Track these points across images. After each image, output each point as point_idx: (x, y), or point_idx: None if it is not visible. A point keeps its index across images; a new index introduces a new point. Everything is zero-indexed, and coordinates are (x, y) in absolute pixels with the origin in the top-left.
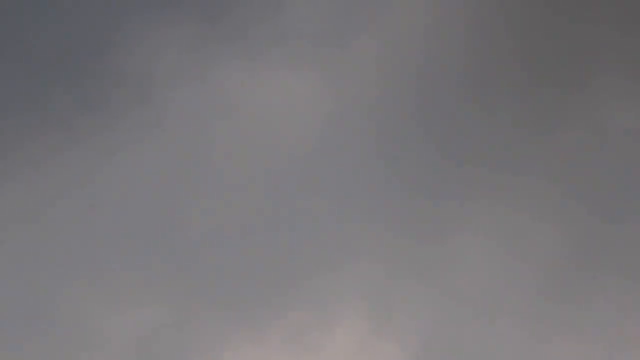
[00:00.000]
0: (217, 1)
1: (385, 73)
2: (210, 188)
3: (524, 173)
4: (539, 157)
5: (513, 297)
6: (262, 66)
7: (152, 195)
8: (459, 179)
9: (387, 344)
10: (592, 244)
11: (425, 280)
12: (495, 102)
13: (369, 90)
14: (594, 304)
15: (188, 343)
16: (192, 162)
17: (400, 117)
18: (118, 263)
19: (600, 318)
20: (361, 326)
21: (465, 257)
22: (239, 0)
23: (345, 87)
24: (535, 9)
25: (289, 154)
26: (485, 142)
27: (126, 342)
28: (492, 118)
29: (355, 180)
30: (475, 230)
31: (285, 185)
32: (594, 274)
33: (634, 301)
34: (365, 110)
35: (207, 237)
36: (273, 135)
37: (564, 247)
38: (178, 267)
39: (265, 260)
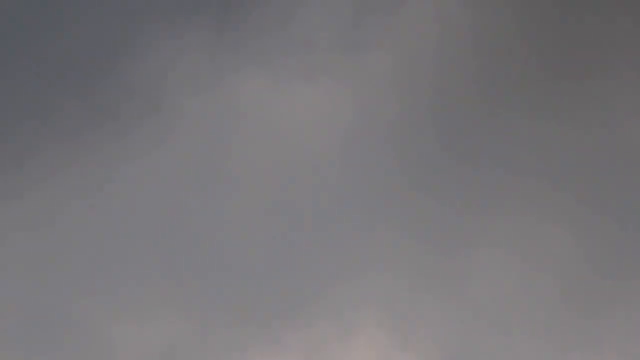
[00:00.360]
0: (230, 11)
1: (401, 83)
2: (225, 199)
3: (542, 184)
4: (557, 167)
5: (532, 309)
6: (276, 76)
7: (166, 205)
8: (476, 191)
9: (406, 356)
10: (612, 255)
11: (444, 291)
12: (511, 112)
13: (384, 100)
14: (613, 316)
15: (205, 356)
16: (205, 172)
17: (417, 128)
18: (133, 274)
19: (620, 330)
20: (381, 338)
21: (484, 268)
22: (253, 10)
23: (361, 97)
24: (545, 19)
25: (305, 164)
26: (503, 154)
27: (143, 355)
28: (509, 130)
29: (373, 192)
30: (493, 242)
31: (303, 196)
32: (614, 285)
33: None
34: (382, 121)
35: (223, 249)
36: (288, 146)
37: (583, 258)
38: (195, 279)
39: (284, 272)
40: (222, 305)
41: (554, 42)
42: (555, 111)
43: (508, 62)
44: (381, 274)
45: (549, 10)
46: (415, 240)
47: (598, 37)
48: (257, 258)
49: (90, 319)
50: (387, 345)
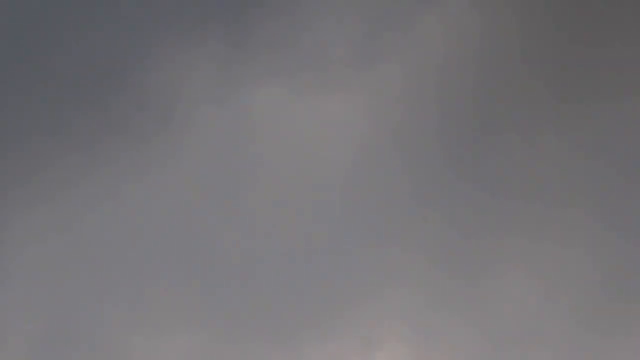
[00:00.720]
0: (243, 23)
1: (414, 96)
2: (241, 211)
3: (559, 203)
4: (574, 186)
5: (550, 327)
6: (288, 89)
7: (180, 217)
8: (494, 209)
9: None
10: (629, 274)
11: (463, 308)
12: (529, 130)
13: (398, 114)
14: (630, 334)
15: None
16: (218, 184)
17: (433, 145)
18: (149, 286)
19: (639, 349)
20: (401, 353)
21: (502, 286)
22: (266, 22)
23: (374, 110)
24: (553, 32)
25: (319, 178)
26: (520, 173)
27: None
28: (526, 148)
29: (392, 208)
30: (511, 260)
31: (319, 211)
32: (632, 305)
33: None
34: (397, 137)
35: (242, 262)
36: (302, 158)
37: (600, 277)
38: (213, 292)
39: (304, 286)
40: (241, 319)
41: (565, 56)
42: (573, 130)
43: (523, 75)
44: (401, 289)
45: (560, 25)
46: (434, 257)
47: (609, 52)
48: (275, 272)
49: (107, 331)
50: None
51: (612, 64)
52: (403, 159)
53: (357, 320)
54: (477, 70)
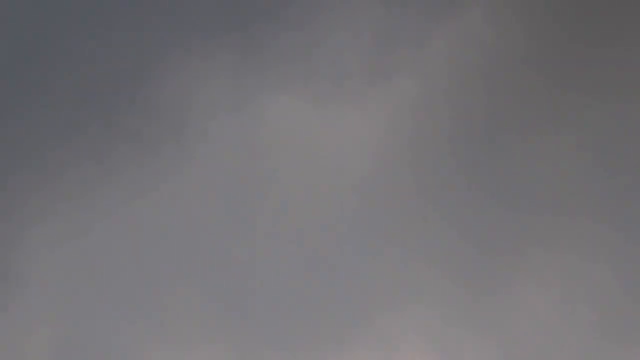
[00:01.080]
0: (256, 34)
1: (429, 109)
2: (257, 224)
3: (579, 216)
4: (594, 199)
5: (570, 341)
6: (302, 100)
7: (194, 228)
8: (514, 223)
9: None
10: None
11: (483, 322)
12: (545, 143)
13: (413, 126)
14: None
15: None
16: (232, 194)
17: (451, 158)
18: (164, 296)
19: None
20: None
21: (522, 300)
22: (279, 33)
23: (388, 121)
24: (565, 44)
25: (336, 189)
26: (539, 187)
27: None
28: (543, 160)
29: (412, 223)
30: (531, 274)
31: (337, 223)
32: None
33: None
34: (412, 151)
35: (259, 274)
36: (317, 169)
37: (621, 290)
38: (236, 306)
39: (326, 300)
40: (259, 330)
41: (579, 64)
42: (592, 140)
43: (538, 86)
44: (422, 304)
45: (573, 36)
46: (452, 271)
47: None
48: (294, 284)
49: (123, 341)
50: None
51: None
52: (418, 171)
53: (376, 334)
54: (490, 82)
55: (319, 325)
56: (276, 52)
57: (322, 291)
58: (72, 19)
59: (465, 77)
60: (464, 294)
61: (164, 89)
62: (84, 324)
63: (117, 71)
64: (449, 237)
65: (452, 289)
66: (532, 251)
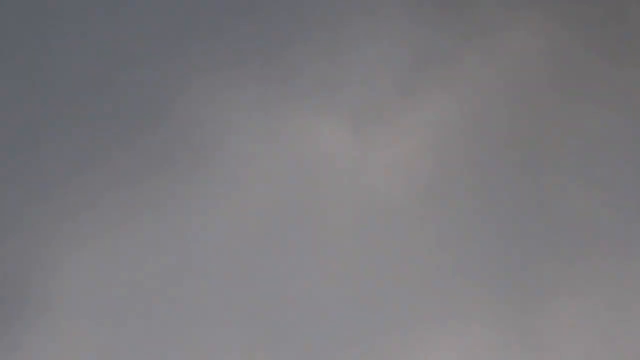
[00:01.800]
0: (286, 62)
1: (466, 128)
2: (294, 248)
3: (622, 232)
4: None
5: (618, 358)
6: (333, 126)
7: (227, 257)
8: (557, 241)
9: None
10: None
11: (527, 340)
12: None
13: (453, 146)
14: None
15: None
16: (263, 223)
17: (492, 175)
18: (197, 330)
19: None
20: None
21: (567, 316)
22: (307, 60)
23: (419, 146)
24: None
25: (377, 211)
26: (579, 203)
27: None
28: (586, 174)
29: (454, 240)
30: (576, 290)
31: (378, 245)
32: None
33: None
34: (458, 171)
35: (302, 307)
36: (359, 193)
37: None
38: (259, 331)
39: (363, 321)
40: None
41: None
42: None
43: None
44: (464, 322)
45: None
46: (496, 289)
47: None
48: (338, 315)
49: None
50: None
51: None
52: (457, 190)
53: (421, 354)
54: (522, 102)
55: (360, 347)
56: (305, 78)
57: (366, 315)
58: (103, 46)
59: (500, 96)
60: (507, 310)
61: (196, 116)
62: (122, 347)
63: (149, 98)
64: (491, 256)
65: (495, 304)
66: (579, 265)
